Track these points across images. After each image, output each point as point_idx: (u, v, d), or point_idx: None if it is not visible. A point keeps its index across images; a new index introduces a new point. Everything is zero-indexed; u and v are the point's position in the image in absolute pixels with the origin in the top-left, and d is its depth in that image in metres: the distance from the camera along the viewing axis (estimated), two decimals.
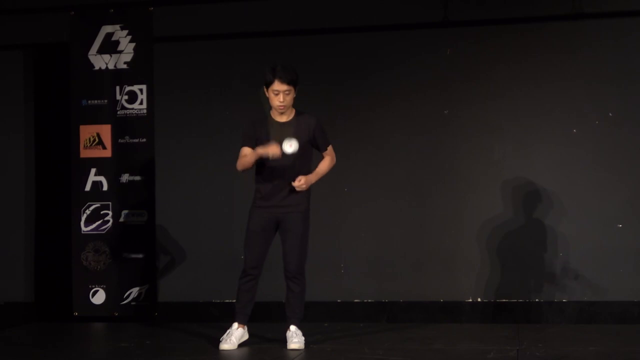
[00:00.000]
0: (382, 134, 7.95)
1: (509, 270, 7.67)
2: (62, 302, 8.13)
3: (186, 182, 8.18)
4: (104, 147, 7.99)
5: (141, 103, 7.95)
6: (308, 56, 8.06)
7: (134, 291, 7.91)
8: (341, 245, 7.95)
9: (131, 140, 7.96)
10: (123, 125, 7.96)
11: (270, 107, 6.44)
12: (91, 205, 7.97)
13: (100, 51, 8.01)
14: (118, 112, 7.99)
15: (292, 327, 6.55)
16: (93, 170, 7.97)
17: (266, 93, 6.41)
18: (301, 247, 6.54)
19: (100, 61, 8.02)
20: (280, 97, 6.34)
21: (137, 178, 7.97)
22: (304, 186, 6.41)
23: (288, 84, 6.33)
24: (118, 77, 7.97)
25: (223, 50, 8.22)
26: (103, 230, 7.97)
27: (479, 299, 7.73)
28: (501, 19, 7.80)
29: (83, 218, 7.98)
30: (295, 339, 6.50)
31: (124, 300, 7.90)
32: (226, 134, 8.13)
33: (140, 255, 7.90)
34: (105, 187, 7.98)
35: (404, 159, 7.91)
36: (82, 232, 7.98)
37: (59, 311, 8.17)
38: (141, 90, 7.94)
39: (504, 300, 7.68)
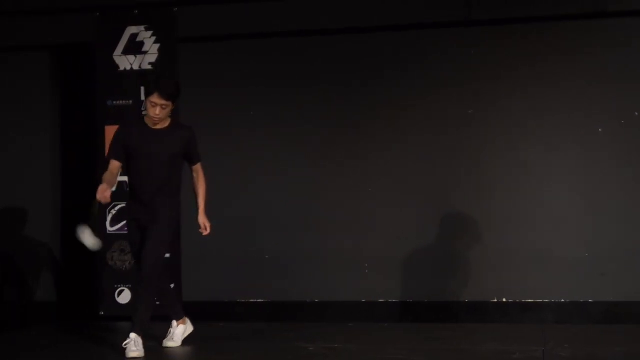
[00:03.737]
0: (406, 134, 7.94)
1: (533, 270, 7.63)
2: (88, 301, 8.18)
3: (210, 181, 8.17)
4: None
5: None
6: (331, 56, 8.07)
7: None
8: (365, 245, 7.95)
9: None
10: None
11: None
12: (117, 205, 7.99)
13: (125, 52, 8.04)
14: (143, 113, 7.98)
15: (132, 335, 6.31)
16: None
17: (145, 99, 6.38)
18: (155, 247, 6.35)
19: (125, 62, 8.05)
20: (157, 110, 6.29)
21: None
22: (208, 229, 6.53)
23: (167, 99, 6.27)
24: (143, 77, 7.99)
25: (246, 50, 8.24)
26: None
27: (504, 299, 7.71)
28: (525, 17, 7.77)
29: (109, 218, 8.01)
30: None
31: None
32: (250, 133, 8.16)
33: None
34: None
35: (428, 159, 7.89)
36: (108, 232, 8.01)
37: (85, 311, 8.22)
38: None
39: (529, 300, 7.66)
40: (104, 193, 6.16)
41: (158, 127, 6.41)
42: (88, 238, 6.25)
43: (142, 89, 7.93)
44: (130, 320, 6.45)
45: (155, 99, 6.25)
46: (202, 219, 6.55)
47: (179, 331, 6.74)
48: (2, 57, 8.66)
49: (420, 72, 7.91)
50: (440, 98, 7.89)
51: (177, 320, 6.74)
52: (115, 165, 6.42)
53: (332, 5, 8.06)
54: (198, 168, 6.63)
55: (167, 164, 6.40)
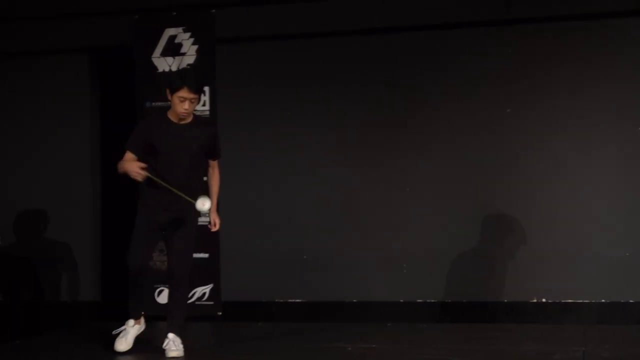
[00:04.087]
0: (444, 133, 7.91)
1: (573, 270, 7.58)
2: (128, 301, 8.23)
3: (249, 181, 8.24)
4: None
5: (204, 104, 7.99)
6: (369, 55, 8.07)
7: (198, 290, 7.98)
8: (403, 245, 7.93)
9: None
10: None
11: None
12: None
13: (164, 53, 8.07)
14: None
15: (170, 335, 6.44)
16: None
17: (168, 96, 6.30)
18: (186, 251, 6.45)
19: (164, 63, 8.09)
20: (186, 104, 6.24)
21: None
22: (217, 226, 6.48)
23: (196, 92, 6.25)
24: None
25: (284, 50, 8.26)
26: None
27: (544, 299, 7.66)
28: (564, 16, 7.72)
29: None
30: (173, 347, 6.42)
31: (188, 300, 7.94)
32: (289, 134, 8.17)
33: (205, 255, 7.95)
34: None
35: (465, 159, 7.86)
36: None
37: (125, 310, 8.26)
38: (204, 91, 7.97)
39: (569, 300, 7.60)
40: (135, 169, 6.23)
41: (183, 122, 6.39)
42: (206, 203, 6.23)
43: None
44: (167, 320, 6.51)
45: (184, 93, 6.22)
46: (213, 215, 6.51)
47: (134, 332, 6.75)
48: (42, 60, 8.76)
49: (458, 71, 7.88)
50: (479, 97, 7.85)
51: (136, 319, 6.76)
52: (130, 156, 6.41)
53: (367, 5, 8.05)
54: (215, 164, 6.59)
55: (190, 160, 6.37)
